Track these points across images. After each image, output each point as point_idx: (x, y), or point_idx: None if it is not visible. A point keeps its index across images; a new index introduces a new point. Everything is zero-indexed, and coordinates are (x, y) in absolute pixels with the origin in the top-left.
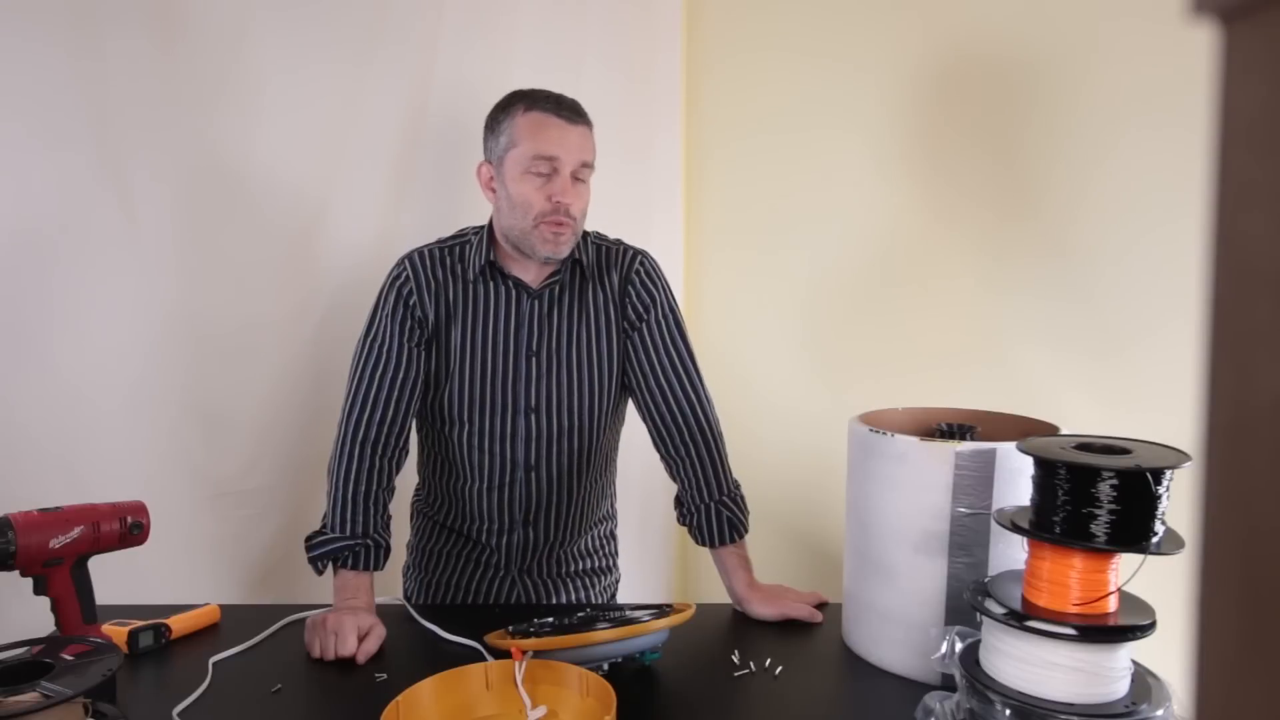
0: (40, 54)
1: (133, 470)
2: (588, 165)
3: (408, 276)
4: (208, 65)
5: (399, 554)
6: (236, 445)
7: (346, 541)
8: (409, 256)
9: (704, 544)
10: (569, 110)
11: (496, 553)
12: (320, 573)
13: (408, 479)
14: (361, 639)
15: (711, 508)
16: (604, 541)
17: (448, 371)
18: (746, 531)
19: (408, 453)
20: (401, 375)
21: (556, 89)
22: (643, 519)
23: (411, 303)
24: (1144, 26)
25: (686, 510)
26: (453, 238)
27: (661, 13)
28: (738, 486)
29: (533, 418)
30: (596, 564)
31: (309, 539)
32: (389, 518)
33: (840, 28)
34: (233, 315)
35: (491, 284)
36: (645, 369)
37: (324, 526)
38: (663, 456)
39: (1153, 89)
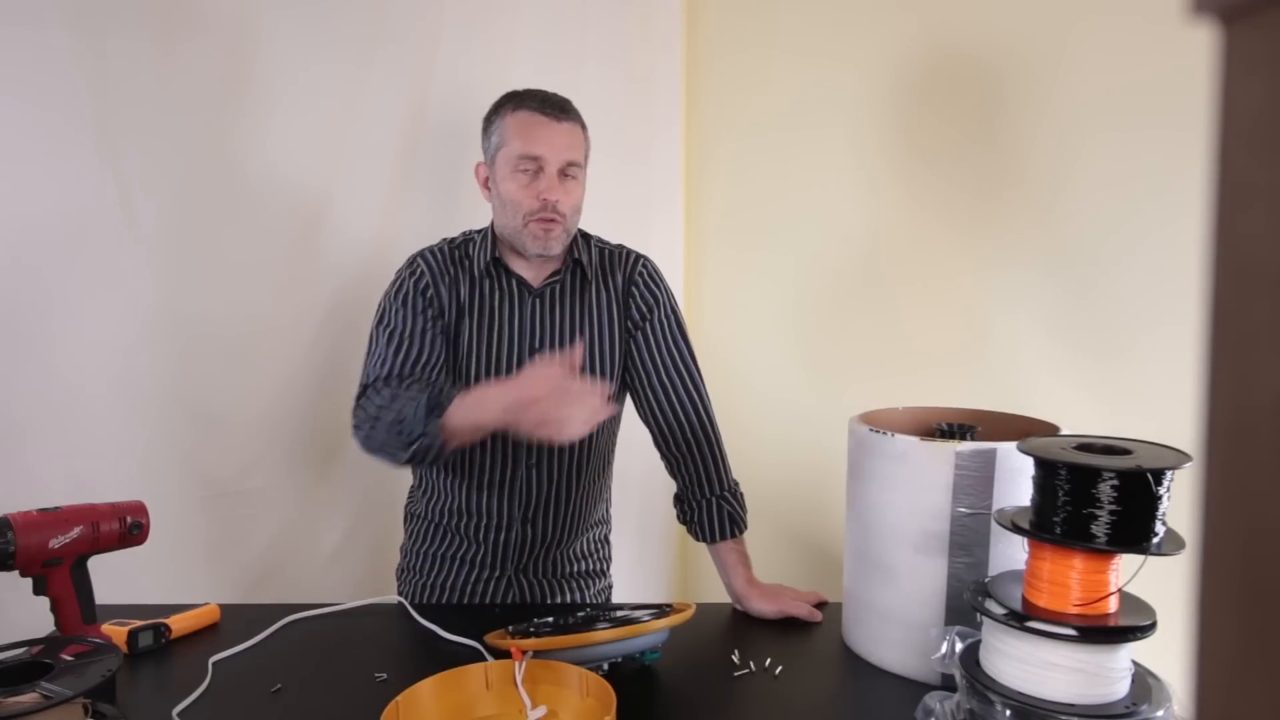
0: (40, 54)
1: (132, 470)
2: (575, 163)
3: (423, 271)
4: (208, 66)
5: (393, 556)
6: (236, 445)
7: (429, 401)
8: (421, 255)
9: (703, 539)
10: (554, 108)
11: (492, 553)
12: (441, 440)
13: (406, 480)
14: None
15: (711, 503)
16: (599, 545)
17: (454, 366)
18: (745, 527)
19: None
20: (425, 358)
21: (556, 89)
22: (642, 519)
23: (429, 295)
24: (1144, 25)
25: (686, 507)
26: (458, 238)
27: (661, 13)
28: (737, 484)
29: None
30: (590, 567)
31: (407, 432)
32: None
33: (840, 28)
34: (233, 315)
35: (496, 282)
36: (647, 369)
37: (402, 425)
38: (663, 454)
39: (1152, 88)
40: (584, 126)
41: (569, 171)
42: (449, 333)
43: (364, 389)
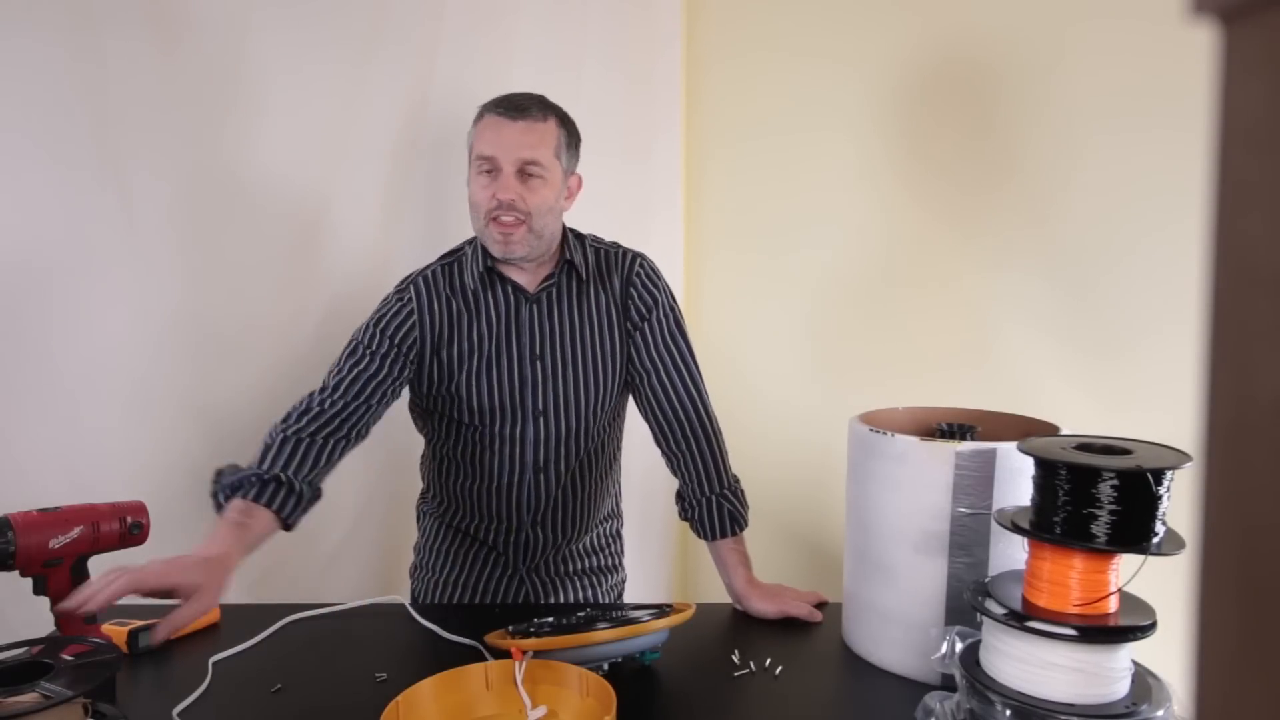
0: (40, 55)
1: (133, 470)
2: (533, 162)
3: (410, 299)
4: (208, 67)
5: (406, 555)
6: (236, 445)
7: (255, 472)
8: (413, 281)
9: (705, 537)
10: (511, 108)
11: (504, 554)
12: (219, 509)
13: (411, 481)
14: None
15: (712, 500)
16: (609, 540)
17: (455, 381)
18: (746, 525)
19: (353, 443)
20: (379, 377)
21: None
22: (643, 518)
23: (410, 324)
24: (1145, 26)
25: (688, 504)
26: (449, 254)
27: (661, 13)
28: (737, 481)
29: (541, 421)
30: (602, 562)
31: (217, 472)
32: (318, 491)
33: (840, 29)
34: (233, 316)
35: (491, 291)
36: (647, 367)
37: (233, 474)
38: (664, 453)
39: (1153, 89)
40: (559, 121)
41: (529, 170)
42: (437, 355)
43: (309, 395)
